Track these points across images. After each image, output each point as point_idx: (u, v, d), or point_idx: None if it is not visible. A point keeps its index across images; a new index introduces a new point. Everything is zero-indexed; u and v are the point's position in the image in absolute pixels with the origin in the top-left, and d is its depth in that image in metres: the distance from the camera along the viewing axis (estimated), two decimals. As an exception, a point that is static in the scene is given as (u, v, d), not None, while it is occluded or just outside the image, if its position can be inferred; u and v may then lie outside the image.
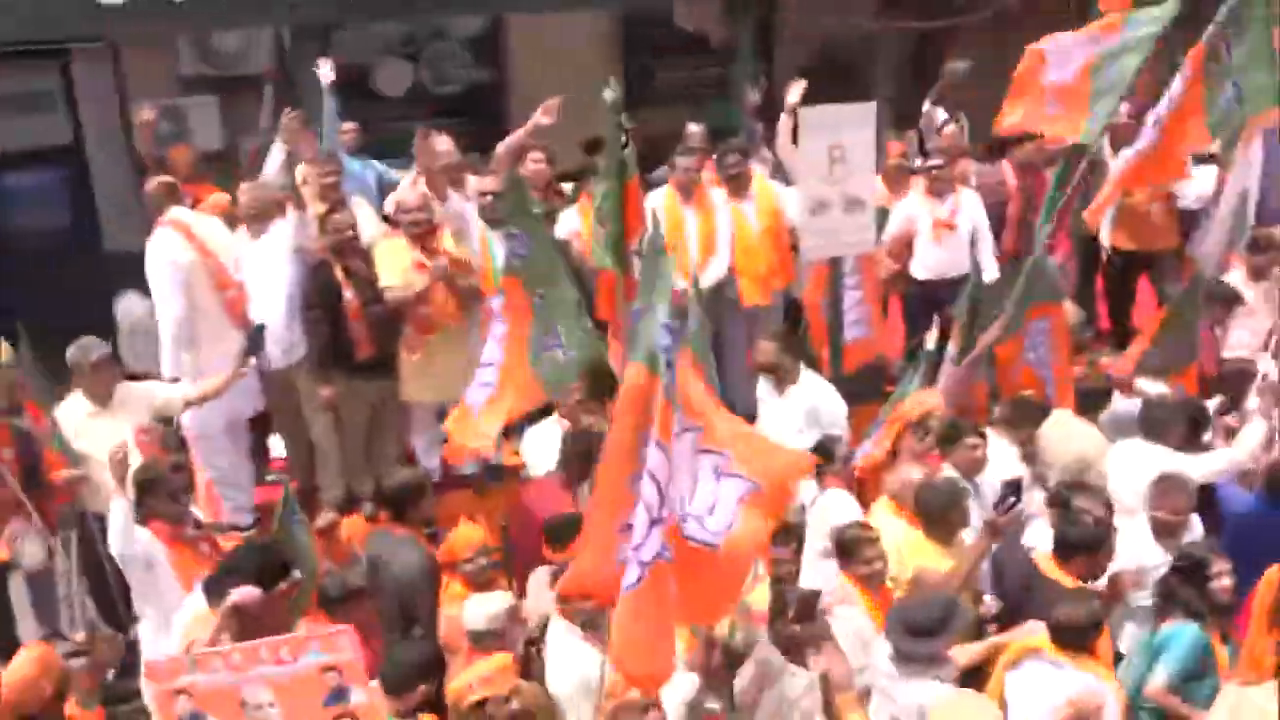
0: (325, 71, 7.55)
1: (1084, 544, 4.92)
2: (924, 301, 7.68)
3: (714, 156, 7.89)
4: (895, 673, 4.46)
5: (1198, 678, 4.81)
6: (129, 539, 4.86)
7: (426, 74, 11.04)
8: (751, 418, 6.71)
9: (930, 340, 7.02)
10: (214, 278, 6.32)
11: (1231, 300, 6.89)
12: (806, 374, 6.47)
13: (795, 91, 7.67)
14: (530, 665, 4.61)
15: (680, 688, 4.19)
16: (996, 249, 7.82)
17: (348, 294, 6.16)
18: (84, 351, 5.67)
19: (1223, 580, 4.84)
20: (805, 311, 7.41)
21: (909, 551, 5.16)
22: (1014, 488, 5.09)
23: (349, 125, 7.80)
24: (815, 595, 4.61)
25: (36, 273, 8.41)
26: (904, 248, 7.76)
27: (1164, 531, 5.26)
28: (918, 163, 8.04)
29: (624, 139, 4.22)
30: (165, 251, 6.26)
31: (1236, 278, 7.35)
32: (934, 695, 4.31)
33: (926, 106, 8.52)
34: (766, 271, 7.41)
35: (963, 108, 8.97)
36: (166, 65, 10.05)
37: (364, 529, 6.01)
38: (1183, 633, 4.81)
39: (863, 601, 4.86)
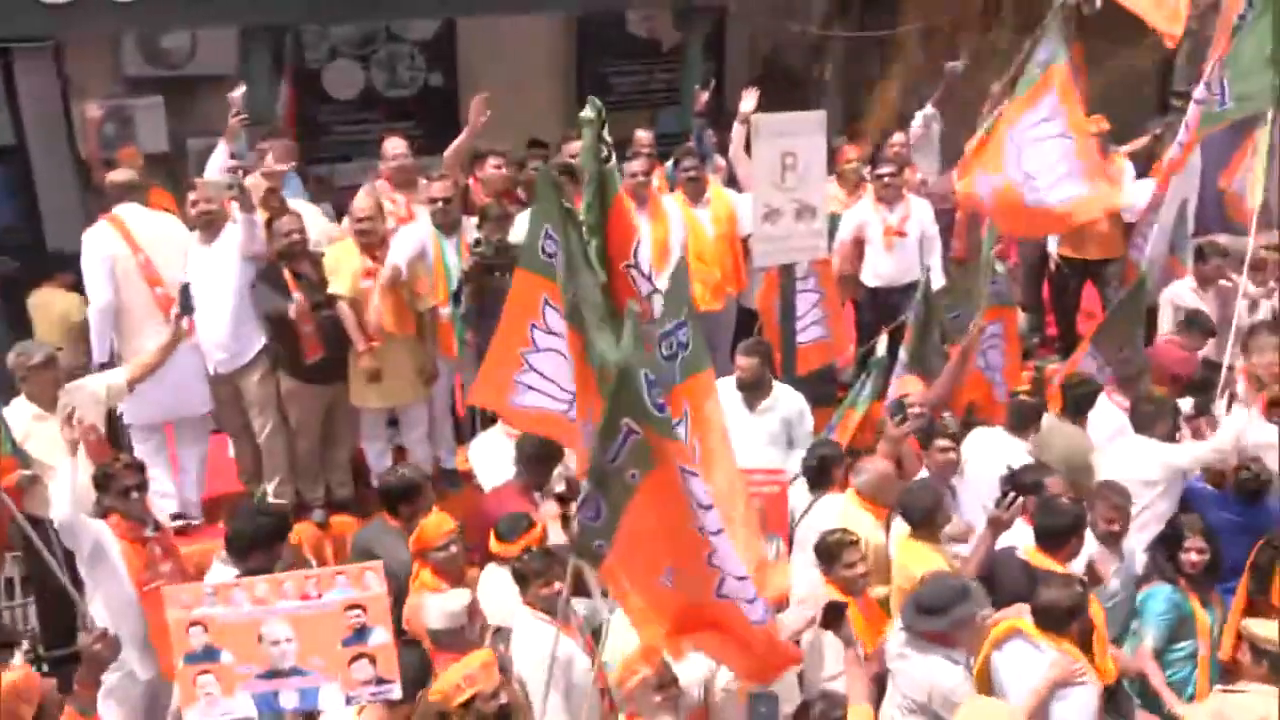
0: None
1: (1064, 529, 5.07)
2: (875, 308, 7.77)
3: (668, 162, 7.95)
4: (907, 653, 4.59)
5: (1176, 640, 5.23)
6: (76, 507, 4.81)
7: (378, 77, 10.98)
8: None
9: (881, 346, 7.11)
10: (144, 272, 6.29)
11: (1208, 332, 7.00)
12: (778, 386, 6.49)
13: (749, 100, 7.72)
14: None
15: (699, 665, 4.22)
16: (946, 256, 7.93)
17: (297, 296, 6.08)
18: (24, 355, 5.58)
19: (1191, 553, 5.27)
20: (760, 316, 7.44)
21: (901, 553, 5.25)
22: (1011, 482, 5.31)
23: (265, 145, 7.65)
24: (843, 605, 4.64)
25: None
26: (855, 254, 7.83)
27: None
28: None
29: (605, 152, 4.21)
30: (98, 245, 6.29)
31: (1185, 286, 7.51)
32: (945, 673, 4.48)
33: (929, 110, 8.53)
34: (721, 277, 7.44)
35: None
36: (111, 65, 9.90)
37: (314, 534, 5.98)
38: (1158, 592, 5.27)
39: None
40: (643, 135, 8.23)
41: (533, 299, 4.30)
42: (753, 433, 6.30)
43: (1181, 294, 7.50)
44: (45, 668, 5.63)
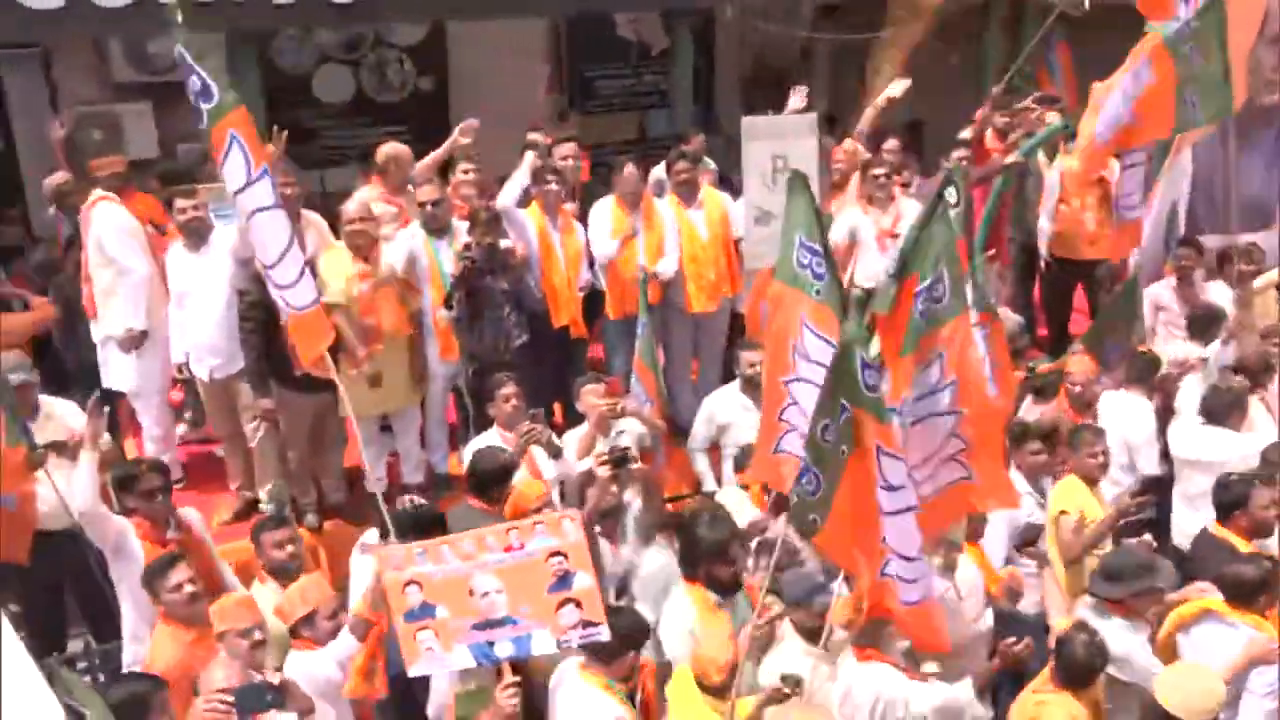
0: None
1: (1238, 501, 5.29)
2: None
3: (658, 165, 7.94)
4: (1089, 617, 4.77)
5: None
6: (95, 499, 4.87)
7: (368, 81, 10.97)
8: (692, 424, 6.77)
9: (874, 347, 7.09)
10: (153, 245, 6.74)
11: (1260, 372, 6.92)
12: None
13: (797, 98, 7.54)
14: None
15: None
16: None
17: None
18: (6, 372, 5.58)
19: None
20: (746, 318, 7.44)
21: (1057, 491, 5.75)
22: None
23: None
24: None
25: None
26: (846, 257, 7.82)
27: None
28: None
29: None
30: (124, 218, 6.59)
31: (1166, 285, 7.56)
32: (1122, 639, 4.64)
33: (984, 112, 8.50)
34: (715, 279, 7.44)
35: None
36: (99, 71, 9.88)
37: (308, 539, 5.94)
38: None
39: None
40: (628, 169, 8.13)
41: (791, 315, 4.34)
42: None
43: (1161, 294, 7.57)
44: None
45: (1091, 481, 5.81)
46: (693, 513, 5.34)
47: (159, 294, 6.60)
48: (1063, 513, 5.68)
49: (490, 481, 5.32)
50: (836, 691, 4.49)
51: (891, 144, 8.37)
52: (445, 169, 7.52)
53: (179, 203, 6.37)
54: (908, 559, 4.04)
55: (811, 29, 11.54)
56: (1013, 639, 4.48)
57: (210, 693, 3.81)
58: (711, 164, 8.60)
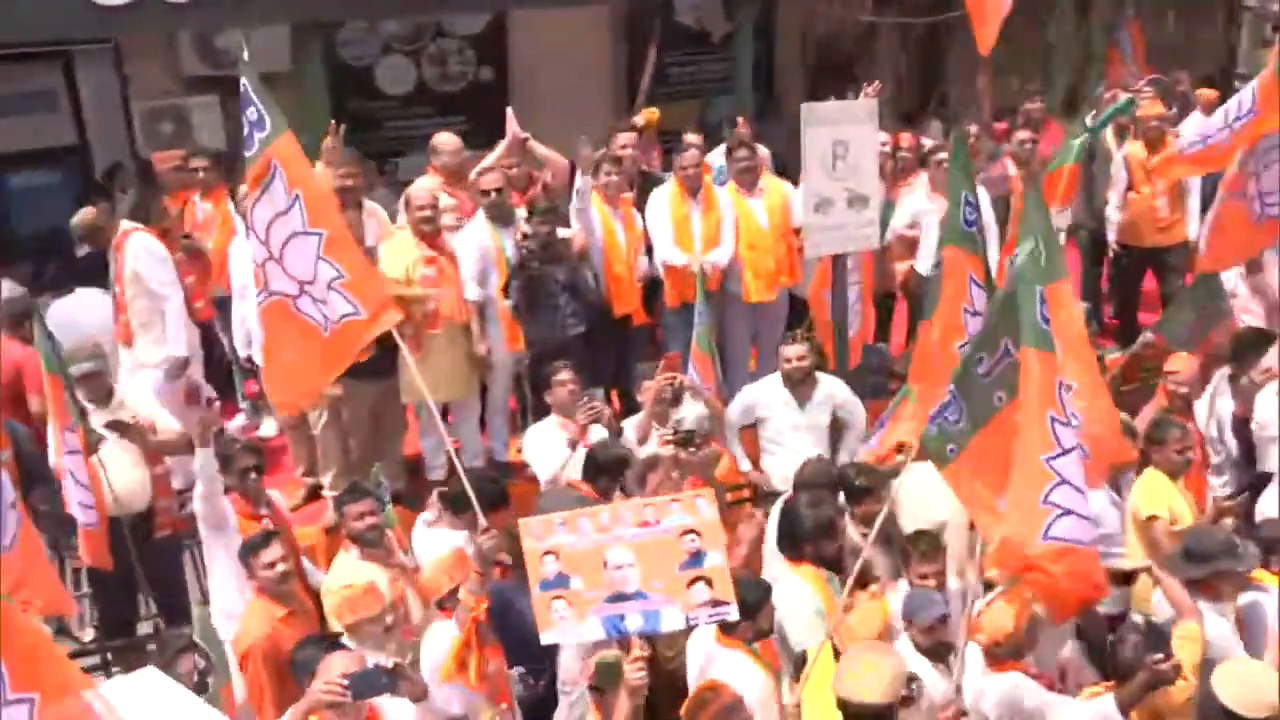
0: None
1: None
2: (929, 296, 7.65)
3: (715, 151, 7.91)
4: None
5: None
6: (209, 481, 5.06)
7: (429, 72, 11.04)
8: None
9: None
10: None
11: None
12: (823, 377, 6.46)
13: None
14: None
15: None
16: (1001, 244, 7.80)
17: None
18: (69, 360, 5.65)
19: None
20: (810, 308, 7.38)
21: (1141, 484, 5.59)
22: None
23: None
24: None
25: (40, 272, 8.42)
26: (908, 244, 7.74)
27: None
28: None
29: None
30: (157, 246, 6.75)
31: (1233, 273, 7.35)
32: (1214, 624, 4.55)
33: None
34: (773, 267, 7.39)
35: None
36: (169, 65, 10.06)
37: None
38: None
39: None
40: (692, 138, 8.16)
41: (960, 279, 4.50)
42: (801, 429, 6.26)
43: (1229, 279, 7.35)
44: (109, 657, 5.75)
45: (1175, 477, 5.63)
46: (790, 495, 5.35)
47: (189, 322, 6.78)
48: (1153, 517, 5.51)
49: (602, 470, 5.43)
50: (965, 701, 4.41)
51: (971, 129, 8.24)
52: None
53: (244, 190, 6.46)
54: (1083, 517, 4.15)
55: (875, 13, 11.41)
56: (1160, 655, 4.27)
57: (327, 678, 3.86)
58: (765, 150, 8.53)
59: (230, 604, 5.11)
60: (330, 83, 10.00)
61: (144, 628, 5.92)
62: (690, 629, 4.31)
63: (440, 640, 4.44)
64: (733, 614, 4.03)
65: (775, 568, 5.16)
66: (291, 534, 5.45)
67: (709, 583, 3.95)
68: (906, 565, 5.01)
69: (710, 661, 4.47)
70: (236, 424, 7.51)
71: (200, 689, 4.71)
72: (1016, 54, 10.78)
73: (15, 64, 9.38)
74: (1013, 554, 4.21)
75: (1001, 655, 4.44)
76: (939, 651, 4.50)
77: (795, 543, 4.99)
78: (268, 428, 7.32)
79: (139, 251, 6.62)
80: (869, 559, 4.78)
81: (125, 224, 6.79)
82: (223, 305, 7.26)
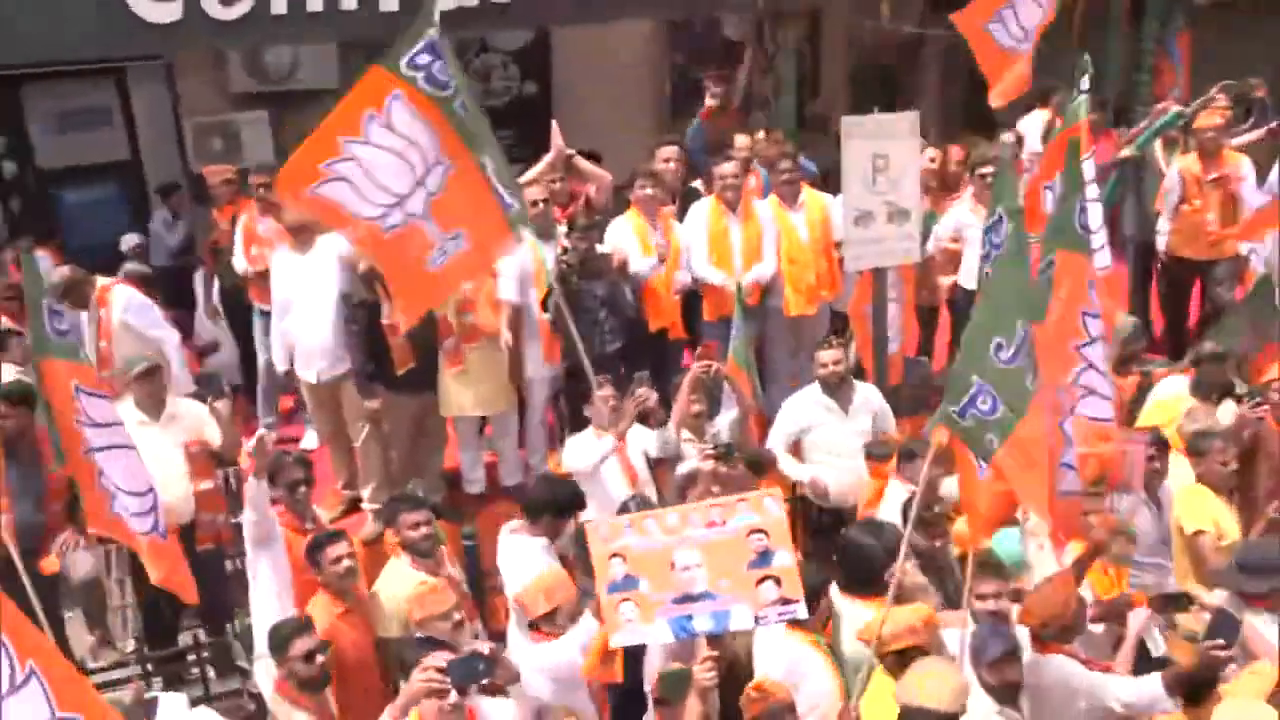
0: None
1: None
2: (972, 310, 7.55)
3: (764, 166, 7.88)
4: None
5: None
6: (260, 510, 5.01)
7: (473, 87, 11.08)
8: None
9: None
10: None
11: None
12: (858, 384, 6.43)
13: None
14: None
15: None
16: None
17: (387, 308, 6.15)
18: (127, 364, 5.80)
19: None
20: (851, 322, 7.32)
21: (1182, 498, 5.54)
22: None
23: None
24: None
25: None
26: (951, 257, 7.66)
27: None
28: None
29: None
30: (139, 296, 6.83)
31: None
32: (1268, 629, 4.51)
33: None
34: (814, 282, 7.35)
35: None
36: (219, 82, 10.23)
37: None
38: None
39: None
40: (740, 140, 8.18)
41: (1078, 281, 4.52)
42: (849, 436, 6.19)
43: None
44: (149, 667, 5.82)
45: (1219, 490, 5.54)
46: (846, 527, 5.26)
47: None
48: (1200, 531, 5.43)
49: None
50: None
51: (1008, 137, 8.18)
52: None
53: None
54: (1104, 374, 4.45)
55: (920, 25, 11.32)
56: (1219, 641, 4.21)
57: (426, 664, 3.90)
58: (809, 164, 8.49)
59: (272, 619, 5.04)
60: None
61: (184, 638, 5.99)
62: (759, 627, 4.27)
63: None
64: (801, 612, 4.05)
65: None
66: None
67: (778, 581, 3.97)
68: (963, 588, 4.77)
69: (780, 656, 4.45)
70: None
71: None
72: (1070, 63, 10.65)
73: (72, 81, 9.61)
74: (1068, 516, 4.34)
75: (1050, 638, 4.41)
76: (1008, 693, 4.27)
77: (868, 578, 4.70)
78: (309, 439, 7.38)
79: (125, 304, 6.65)
80: (912, 582, 4.72)
81: (102, 280, 6.80)
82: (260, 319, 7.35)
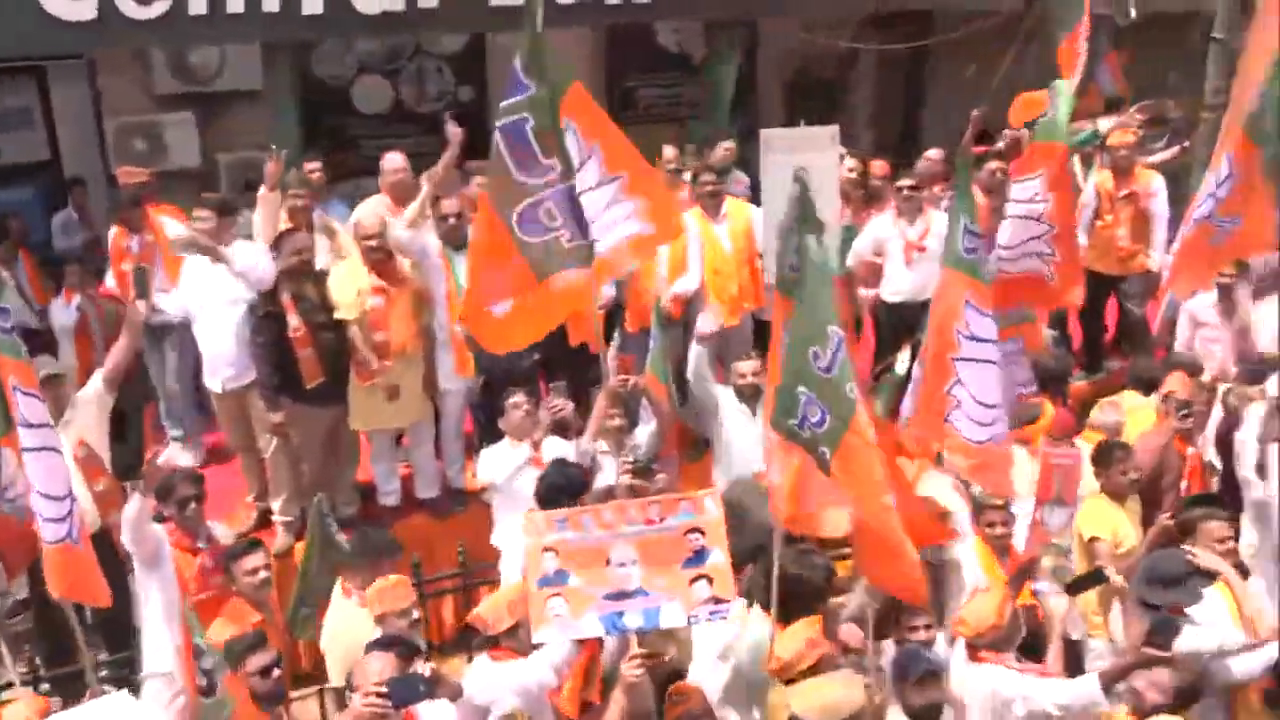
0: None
1: None
2: (894, 323, 7.60)
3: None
4: None
5: None
6: (137, 529, 4.78)
7: (406, 91, 11.02)
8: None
9: (900, 363, 6.94)
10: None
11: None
12: None
13: None
14: None
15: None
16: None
17: (293, 320, 6.03)
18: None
19: None
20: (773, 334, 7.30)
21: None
22: None
23: (313, 165, 7.64)
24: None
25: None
26: (872, 270, 7.69)
27: None
28: None
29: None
30: None
31: (1206, 300, 7.30)
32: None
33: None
34: (738, 293, 7.34)
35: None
36: (143, 82, 10.04)
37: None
38: None
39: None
40: (668, 151, 8.15)
41: (956, 300, 4.63)
42: (758, 441, 6.16)
43: (1200, 308, 7.31)
44: (46, 687, 5.64)
45: (1120, 499, 5.64)
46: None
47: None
48: (1095, 538, 5.50)
49: (562, 491, 5.32)
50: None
51: (935, 154, 8.21)
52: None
53: (197, 212, 6.44)
54: (984, 404, 4.58)
55: (856, 39, 11.39)
56: (1159, 642, 4.24)
57: (366, 688, 3.83)
58: (743, 175, 8.49)
59: (161, 642, 4.89)
60: (305, 101, 10.00)
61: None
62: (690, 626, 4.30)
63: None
64: (734, 611, 4.07)
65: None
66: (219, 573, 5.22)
67: (710, 580, 3.98)
68: (895, 621, 4.74)
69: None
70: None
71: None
72: (1005, 80, 10.76)
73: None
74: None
75: (983, 647, 4.43)
76: (929, 713, 4.26)
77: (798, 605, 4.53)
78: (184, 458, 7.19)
79: None
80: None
81: None
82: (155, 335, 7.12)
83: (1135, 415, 6.43)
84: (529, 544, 4.02)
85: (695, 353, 6.29)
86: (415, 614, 4.63)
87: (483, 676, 4.31)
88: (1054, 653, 4.66)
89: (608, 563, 3.96)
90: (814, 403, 4.08)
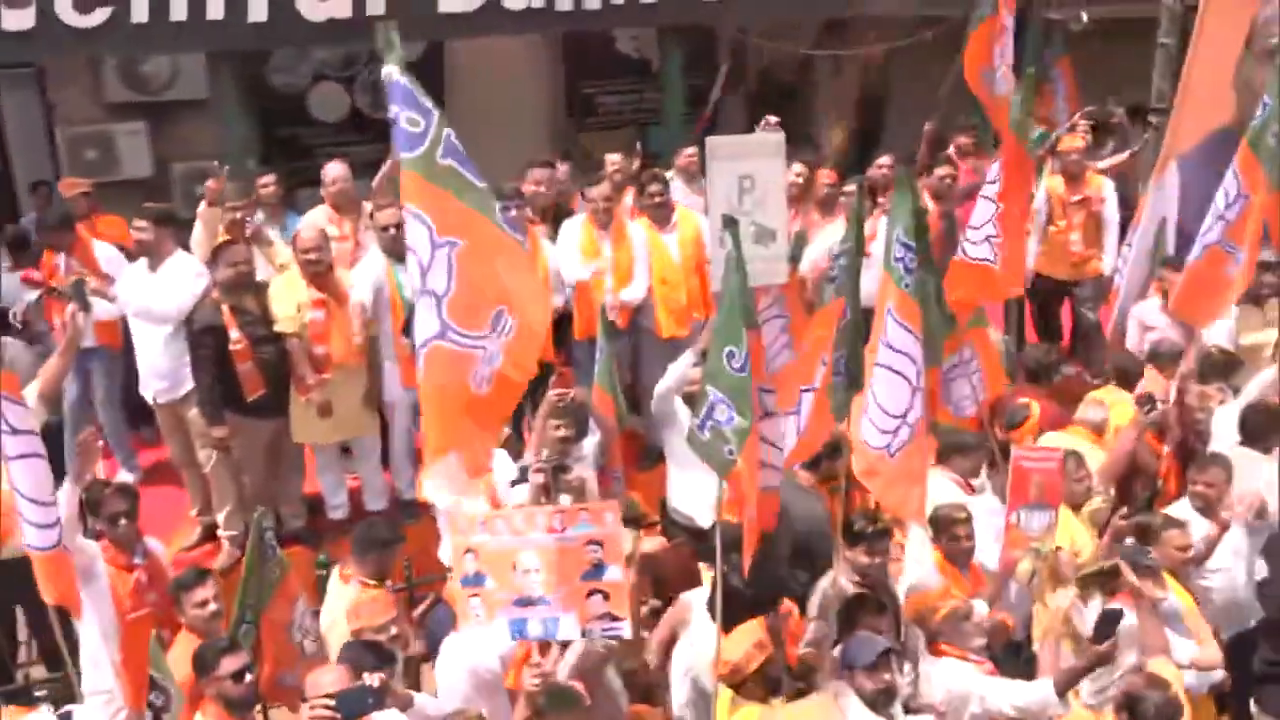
0: None
1: None
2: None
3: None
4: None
5: None
6: (75, 523, 4.69)
7: (363, 99, 10.93)
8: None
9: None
10: None
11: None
12: None
13: None
14: None
15: None
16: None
17: (234, 334, 5.96)
18: None
19: None
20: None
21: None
22: None
23: (268, 178, 7.57)
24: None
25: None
26: (822, 276, 7.65)
27: None
28: None
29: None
30: None
31: (1154, 305, 7.32)
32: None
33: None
34: (686, 303, 7.31)
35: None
36: (94, 91, 9.94)
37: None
38: None
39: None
40: (612, 158, 8.11)
41: (883, 305, 4.72)
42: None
43: (1148, 313, 7.32)
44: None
45: (1075, 507, 5.61)
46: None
47: None
48: (1057, 548, 5.43)
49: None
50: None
51: (886, 161, 8.21)
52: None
53: (136, 222, 6.37)
54: (888, 413, 4.62)
55: (814, 45, 11.39)
56: (1108, 643, 4.31)
57: (314, 699, 3.81)
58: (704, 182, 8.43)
59: (99, 659, 4.81)
60: (260, 110, 9.92)
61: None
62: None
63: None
64: (625, 631, 4.03)
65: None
66: (166, 582, 5.16)
67: (605, 596, 3.95)
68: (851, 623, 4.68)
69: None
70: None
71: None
72: (959, 87, 10.78)
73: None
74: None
75: (938, 639, 4.49)
76: (883, 698, 4.21)
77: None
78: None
79: None
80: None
81: None
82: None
83: (1117, 410, 6.38)
84: (455, 541, 4.03)
85: (674, 376, 6.19)
86: (394, 630, 4.57)
87: (441, 667, 4.35)
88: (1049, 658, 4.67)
89: (514, 568, 3.96)
90: (722, 401, 4.07)
